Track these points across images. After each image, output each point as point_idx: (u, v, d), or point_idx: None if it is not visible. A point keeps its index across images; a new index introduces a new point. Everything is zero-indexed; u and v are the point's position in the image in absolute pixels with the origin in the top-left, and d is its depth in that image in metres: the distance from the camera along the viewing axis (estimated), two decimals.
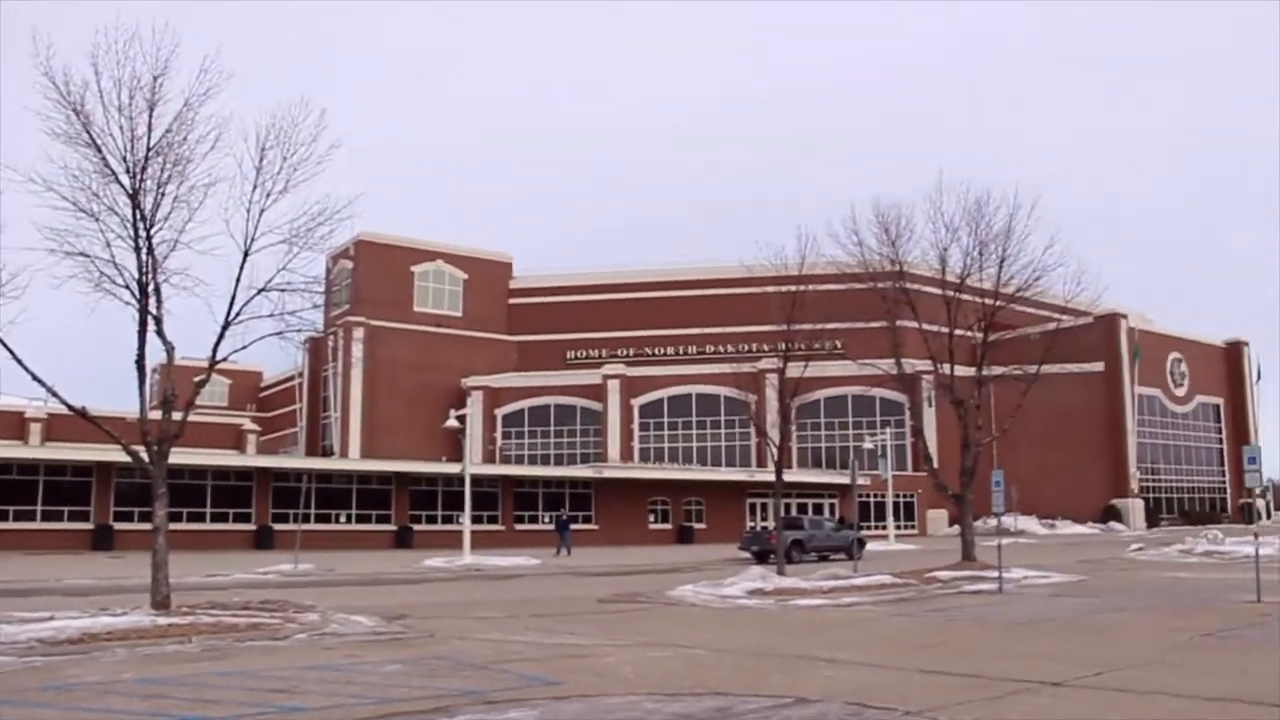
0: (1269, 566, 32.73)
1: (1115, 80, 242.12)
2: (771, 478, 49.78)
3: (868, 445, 72.69)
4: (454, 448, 75.83)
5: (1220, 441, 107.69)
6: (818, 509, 76.01)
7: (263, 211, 20.56)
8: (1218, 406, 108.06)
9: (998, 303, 38.04)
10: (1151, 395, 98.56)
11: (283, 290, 20.45)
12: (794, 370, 35.92)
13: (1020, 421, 39.38)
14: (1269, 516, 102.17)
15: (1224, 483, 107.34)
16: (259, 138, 20.48)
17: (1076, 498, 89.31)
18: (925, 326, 38.47)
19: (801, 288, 35.08)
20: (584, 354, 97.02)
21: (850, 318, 38.70)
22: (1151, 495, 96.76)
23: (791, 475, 64.73)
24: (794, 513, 71.27)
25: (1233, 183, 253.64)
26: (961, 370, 39.61)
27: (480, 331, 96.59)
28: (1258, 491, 28.76)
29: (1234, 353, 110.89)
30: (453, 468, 60.55)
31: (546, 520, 64.50)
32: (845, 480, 69.12)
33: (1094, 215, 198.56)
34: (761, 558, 45.18)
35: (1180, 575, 32.94)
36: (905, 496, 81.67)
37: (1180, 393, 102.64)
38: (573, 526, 62.64)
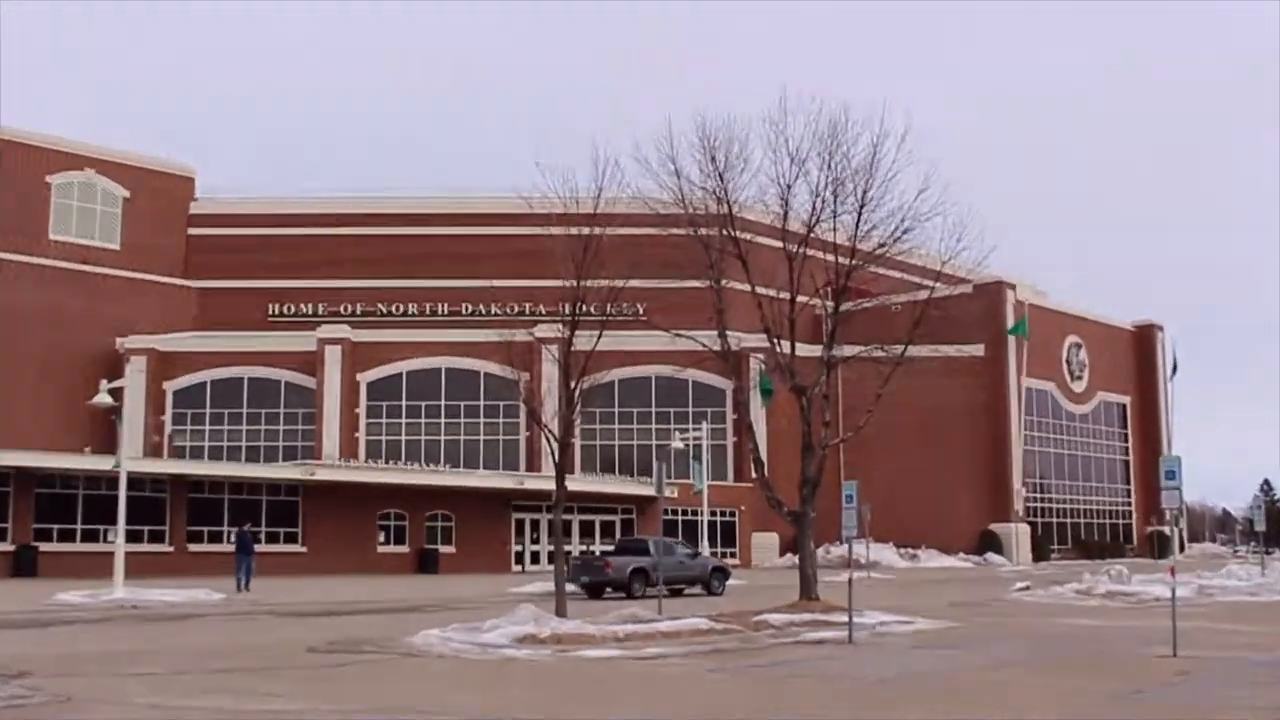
0: (1186, 612, 34.71)
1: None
2: (547, 486, 49.79)
3: (678, 445, 73.87)
4: (104, 435, 73.23)
5: (1125, 452, 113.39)
6: (608, 528, 76.86)
7: None
8: (1123, 407, 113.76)
9: (854, 261, 38.98)
10: (1043, 390, 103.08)
11: None
12: (583, 341, 35.94)
13: (878, 419, 40.52)
14: (1183, 550, 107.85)
15: (1129, 505, 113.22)
16: None
17: (946, 521, 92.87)
18: (760, 289, 39.08)
19: (596, 230, 35.10)
20: (293, 309, 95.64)
21: (660, 273, 38.94)
22: (1040, 520, 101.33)
23: (576, 483, 65.25)
24: (576, 533, 71.93)
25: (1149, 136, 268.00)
26: (805, 349, 40.57)
27: (147, 273, 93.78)
28: (1173, 515, 30.39)
29: (1145, 339, 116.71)
30: (102, 462, 58.49)
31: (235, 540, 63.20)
32: (647, 491, 70.21)
33: (981, 158, 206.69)
34: (596, 591, 45.98)
35: (1078, 622, 34.60)
36: (726, 514, 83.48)
37: (1079, 388, 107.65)
38: (269, 547, 61.58)
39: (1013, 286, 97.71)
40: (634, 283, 36.35)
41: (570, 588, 47.65)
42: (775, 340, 38.96)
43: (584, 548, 71.35)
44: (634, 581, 45.79)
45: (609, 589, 46.73)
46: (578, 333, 35.49)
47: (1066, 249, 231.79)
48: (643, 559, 47.38)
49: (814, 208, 38.34)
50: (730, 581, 53.91)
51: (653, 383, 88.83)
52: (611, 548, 57.08)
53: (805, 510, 37.71)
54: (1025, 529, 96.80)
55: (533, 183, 35.33)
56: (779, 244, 38.86)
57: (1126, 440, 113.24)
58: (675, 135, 41.25)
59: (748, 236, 40.01)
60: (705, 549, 65.89)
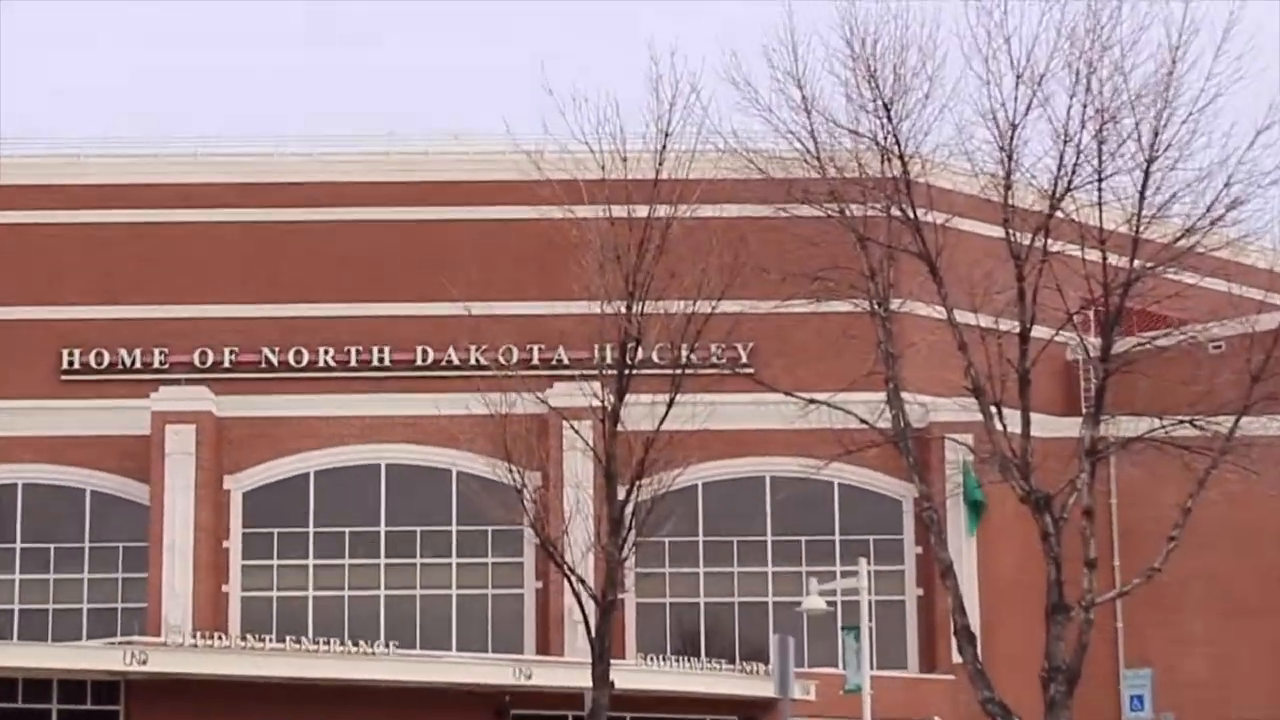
0: None
1: None
2: (576, 681, 49.59)
3: (815, 604, 73.40)
4: None
5: None
6: None
7: None
8: None
9: (1139, 262, 38.82)
10: None
11: None
12: (639, 414, 36.10)
13: (1189, 552, 40.36)
14: None
15: None
16: None
17: None
18: (961, 315, 39.05)
19: (661, 210, 35.30)
20: (105, 359, 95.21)
21: (774, 289, 39.10)
22: None
23: (631, 675, 64.92)
24: None
25: None
26: (1046, 422, 40.41)
27: None
28: None
29: None
30: None
31: None
32: (760, 689, 69.26)
33: None
34: None
35: None
36: None
37: None
38: None
39: None
40: (729, 305, 36.49)
41: None
42: (993, 409, 38.76)
43: None
44: None
45: None
46: (630, 397, 35.62)
47: None
48: None
49: (1062, 163, 38.24)
50: None
51: (768, 489, 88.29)
52: None
53: None
54: None
55: (543, 127, 35.36)
56: (997, 231, 38.76)
57: None
58: (801, 37, 41.00)
59: (939, 217, 39.93)
60: None
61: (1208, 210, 37.80)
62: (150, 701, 69.29)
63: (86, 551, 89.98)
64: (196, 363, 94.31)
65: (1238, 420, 39.06)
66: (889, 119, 38.08)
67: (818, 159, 38.06)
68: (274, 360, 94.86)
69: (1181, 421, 39.66)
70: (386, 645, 79.98)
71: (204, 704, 69.89)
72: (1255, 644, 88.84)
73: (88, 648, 75.03)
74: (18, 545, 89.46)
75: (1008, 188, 38.20)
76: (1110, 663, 43.53)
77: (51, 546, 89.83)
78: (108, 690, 69.03)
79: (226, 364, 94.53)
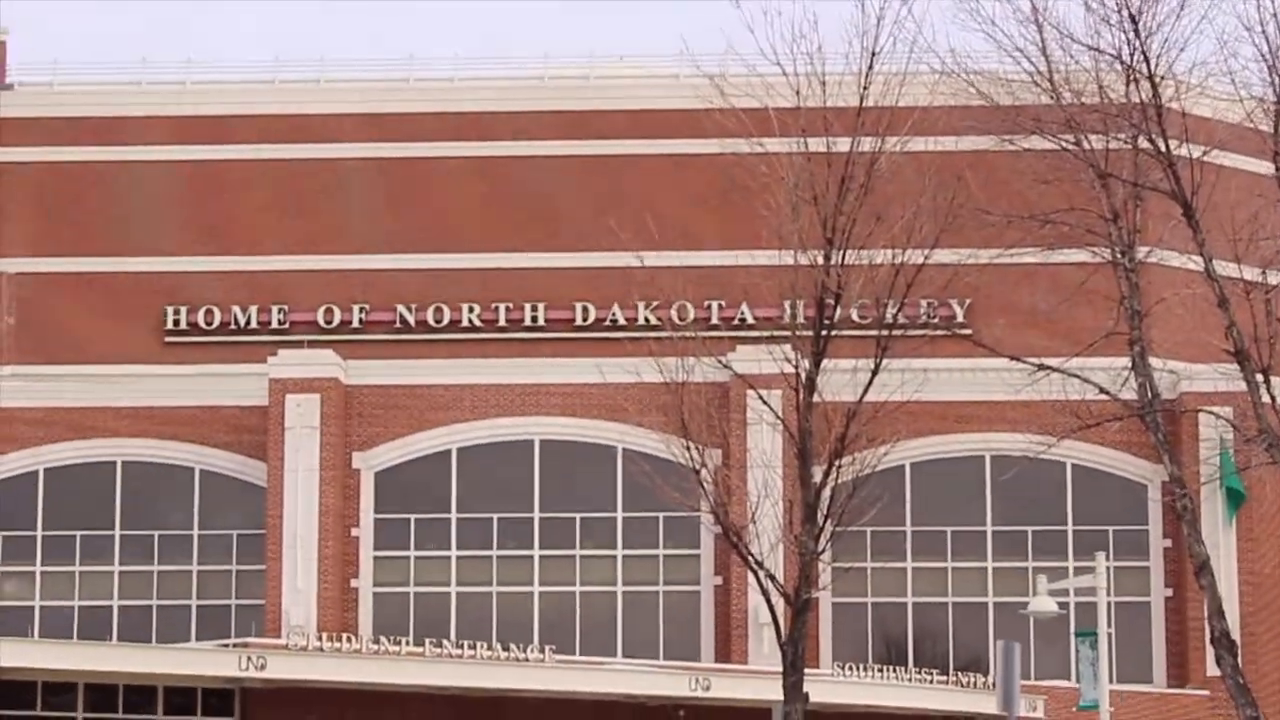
0: None
1: None
2: (764, 693, 49.52)
3: (1042, 605, 73.07)
4: None
5: None
6: None
7: None
8: None
9: None
10: None
11: None
12: (839, 381, 36.00)
13: None
14: None
15: None
16: None
17: None
18: (1221, 266, 38.73)
19: (865, 144, 35.21)
20: (215, 318, 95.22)
21: (997, 236, 38.98)
22: None
23: (827, 688, 64.67)
24: None
25: None
26: None
27: None
28: None
29: None
30: None
31: None
32: (980, 705, 68.86)
33: None
34: None
35: None
36: None
37: None
38: None
39: None
40: (944, 255, 36.35)
41: None
42: (1259, 377, 38.37)
43: None
44: None
45: None
46: (827, 362, 35.51)
47: None
48: None
49: None
50: None
51: (988, 470, 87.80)
52: None
53: None
54: None
55: (727, 44, 35.29)
56: (1266, 167, 38.41)
57: None
58: None
59: (1195, 150, 39.58)
60: None
61: None
62: (269, 712, 69.62)
63: (195, 540, 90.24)
64: (321, 322, 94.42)
65: None
66: (1136, 32, 37.75)
67: (1050, 81, 37.78)
68: (410, 319, 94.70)
69: None
70: (541, 650, 79.88)
71: (330, 715, 70.17)
72: None
73: (198, 650, 75.29)
74: (116, 532, 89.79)
75: (1279, 114, 37.73)
76: None
77: (155, 534, 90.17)
78: (220, 700, 69.29)
79: (355, 324, 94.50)
